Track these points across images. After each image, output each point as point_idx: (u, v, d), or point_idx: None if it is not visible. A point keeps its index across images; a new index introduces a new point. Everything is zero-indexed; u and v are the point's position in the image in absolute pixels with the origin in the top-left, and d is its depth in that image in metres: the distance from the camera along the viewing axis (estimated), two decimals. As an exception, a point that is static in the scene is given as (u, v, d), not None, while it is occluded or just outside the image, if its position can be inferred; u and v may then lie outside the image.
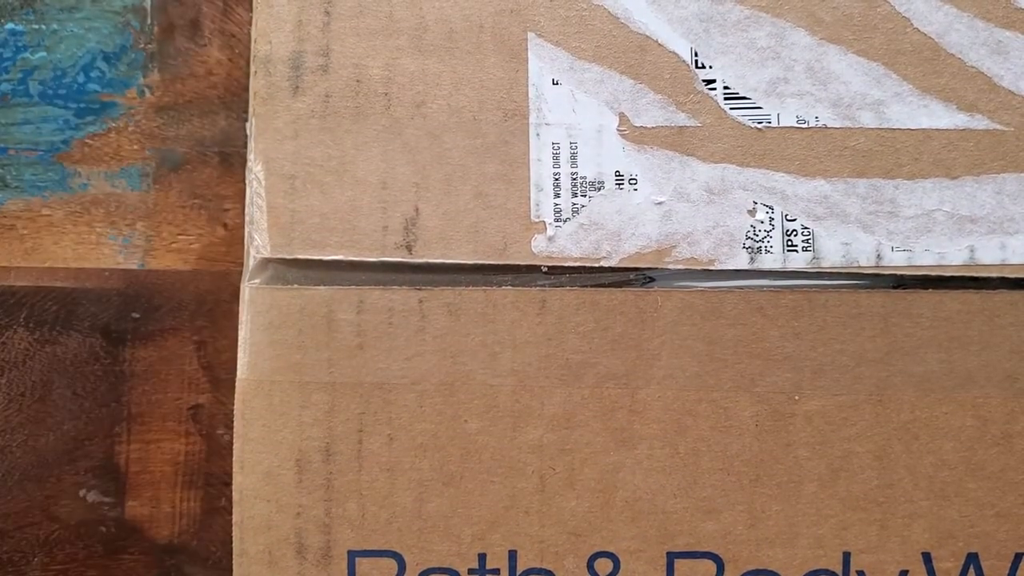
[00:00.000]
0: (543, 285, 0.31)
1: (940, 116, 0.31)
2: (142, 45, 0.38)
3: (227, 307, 0.38)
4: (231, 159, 0.37)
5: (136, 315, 0.38)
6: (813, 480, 0.31)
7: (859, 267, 0.31)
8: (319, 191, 0.31)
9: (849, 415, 0.31)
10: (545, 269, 0.31)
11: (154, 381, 0.38)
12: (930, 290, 0.31)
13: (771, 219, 0.31)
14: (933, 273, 0.31)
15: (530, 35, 0.31)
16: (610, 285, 0.31)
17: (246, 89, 0.38)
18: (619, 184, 0.31)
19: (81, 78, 0.38)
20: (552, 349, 0.31)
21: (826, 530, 0.31)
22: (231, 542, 0.32)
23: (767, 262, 0.31)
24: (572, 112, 0.31)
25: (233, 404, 0.36)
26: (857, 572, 0.31)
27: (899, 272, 0.31)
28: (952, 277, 0.31)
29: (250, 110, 0.31)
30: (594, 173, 0.31)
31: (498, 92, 0.31)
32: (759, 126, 0.31)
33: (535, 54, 0.31)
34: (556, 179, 0.31)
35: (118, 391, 0.38)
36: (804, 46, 0.31)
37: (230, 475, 0.36)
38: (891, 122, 0.31)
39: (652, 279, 0.31)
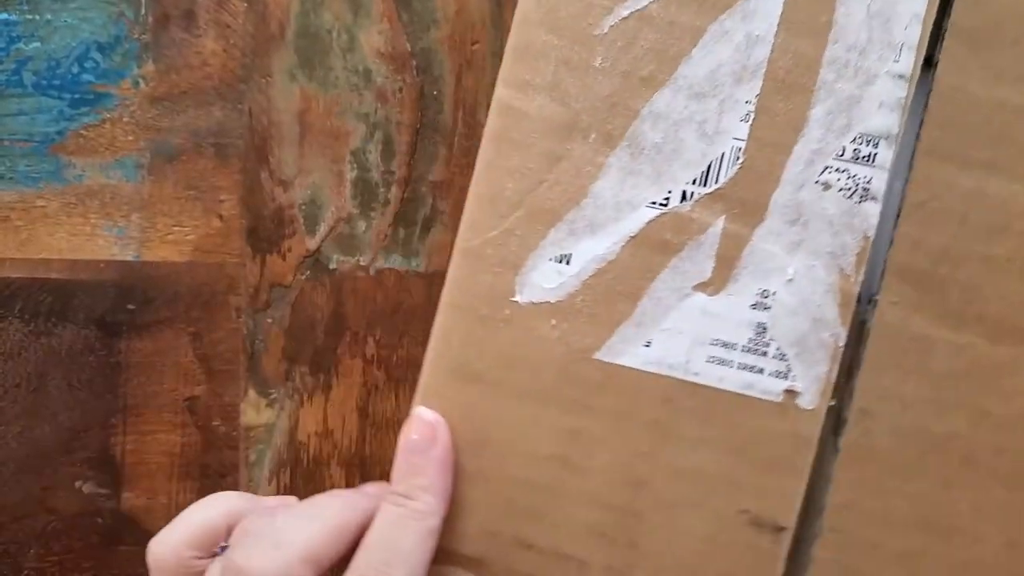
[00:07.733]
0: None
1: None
2: (136, 35, 0.36)
3: (222, 298, 0.37)
4: (226, 150, 0.37)
5: (131, 307, 0.37)
6: None
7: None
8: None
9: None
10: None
11: (149, 373, 0.38)
12: None
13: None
14: None
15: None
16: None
17: (241, 80, 0.38)
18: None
19: (75, 68, 0.36)
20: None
21: None
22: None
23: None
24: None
25: (226, 396, 0.36)
26: None
27: None
28: None
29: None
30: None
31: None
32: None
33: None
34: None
35: (113, 383, 0.38)
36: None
37: (226, 466, 0.37)
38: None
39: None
